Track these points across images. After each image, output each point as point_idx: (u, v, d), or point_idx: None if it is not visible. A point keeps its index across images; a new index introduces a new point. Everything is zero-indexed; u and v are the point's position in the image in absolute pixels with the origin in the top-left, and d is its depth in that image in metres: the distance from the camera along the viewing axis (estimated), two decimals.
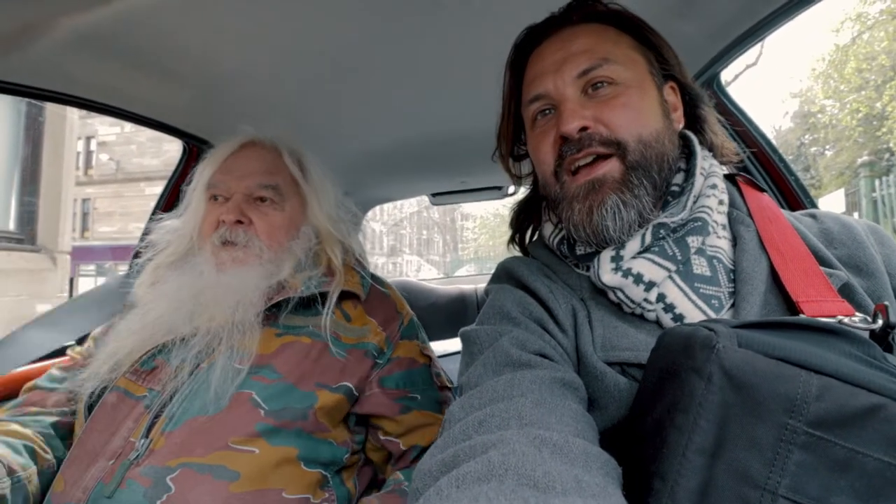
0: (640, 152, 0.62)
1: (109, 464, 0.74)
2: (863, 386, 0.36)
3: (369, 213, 2.73)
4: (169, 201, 1.44)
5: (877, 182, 8.60)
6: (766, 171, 1.24)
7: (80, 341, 1.04)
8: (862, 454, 0.35)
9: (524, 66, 0.75)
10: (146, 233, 1.07)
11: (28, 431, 0.83)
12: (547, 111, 0.69)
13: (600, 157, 0.63)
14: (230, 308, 0.85)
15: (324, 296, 0.91)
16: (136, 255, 1.19)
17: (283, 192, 0.97)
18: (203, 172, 0.99)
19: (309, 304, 0.91)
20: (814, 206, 1.21)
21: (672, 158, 0.66)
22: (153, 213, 1.42)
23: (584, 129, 0.63)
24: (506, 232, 0.90)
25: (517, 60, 0.76)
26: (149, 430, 0.77)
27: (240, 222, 0.93)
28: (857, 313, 0.52)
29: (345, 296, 0.95)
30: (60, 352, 1.21)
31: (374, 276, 1.05)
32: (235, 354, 0.82)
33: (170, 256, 0.98)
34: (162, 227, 1.02)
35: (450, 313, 2.24)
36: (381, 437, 0.92)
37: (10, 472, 0.74)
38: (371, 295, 1.00)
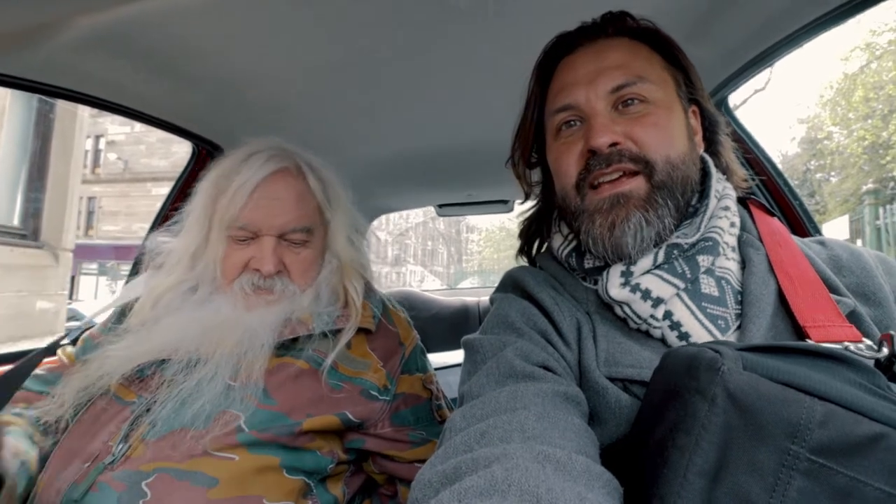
0: (666, 172, 0.62)
1: (84, 466, 0.73)
2: (866, 414, 0.36)
3: (374, 223, 2.74)
4: (175, 203, 1.44)
5: (881, 210, 8.60)
6: (772, 196, 1.25)
7: (75, 341, 1.00)
8: (863, 483, 0.35)
9: (551, 73, 0.73)
10: (144, 246, 1.02)
11: (22, 420, 0.82)
12: (573, 122, 0.68)
13: (626, 175, 0.63)
14: (236, 342, 0.82)
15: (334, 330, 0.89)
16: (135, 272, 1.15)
17: (314, 231, 0.93)
18: (218, 198, 0.90)
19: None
20: (818, 232, 1.21)
21: (694, 182, 0.66)
22: (156, 218, 1.42)
23: (614, 144, 0.62)
24: (510, 246, 0.90)
25: (544, 66, 0.75)
26: (127, 435, 0.75)
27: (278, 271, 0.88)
28: (865, 339, 0.51)
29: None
30: (51, 348, 1.20)
31: (382, 305, 1.01)
32: (233, 374, 0.80)
33: (186, 291, 0.92)
34: (171, 252, 0.96)
35: (452, 325, 2.23)
36: (390, 465, 0.91)
37: (16, 454, 0.73)
38: (377, 325, 0.96)
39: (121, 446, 0.74)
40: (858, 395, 0.37)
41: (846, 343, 0.51)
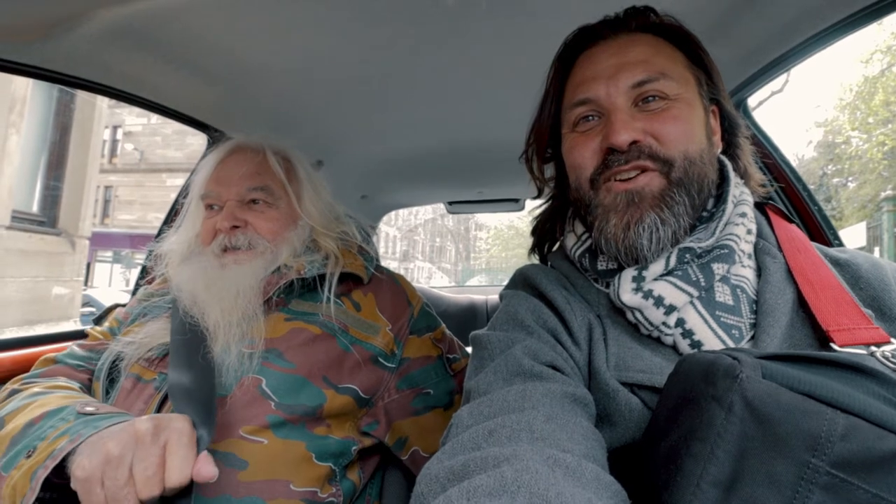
0: (683, 169, 0.61)
1: None
2: (891, 429, 0.35)
3: (384, 218, 2.74)
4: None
5: None
6: (791, 201, 1.22)
7: (98, 321, 1.05)
8: (886, 501, 0.34)
9: (571, 66, 0.72)
10: (151, 251, 1.10)
11: (74, 384, 0.86)
12: (591, 117, 0.66)
13: (641, 171, 0.62)
14: (232, 298, 0.86)
15: (326, 278, 0.92)
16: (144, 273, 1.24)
17: (274, 191, 0.98)
18: (196, 182, 1.01)
19: (316, 289, 0.92)
20: (836, 237, 1.19)
21: (711, 182, 0.65)
22: (171, 209, 1.43)
23: (634, 142, 0.61)
24: (519, 245, 0.89)
25: (564, 59, 0.73)
26: (158, 410, 0.78)
27: (235, 227, 0.94)
28: (893, 340, 0.50)
29: (352, 283, 0.96)
30: (80, 333, 1.22)
31: (381, 267, 1.05)
32: (243, 340, 0.83)
33: (174, 265, 1.00)
34: (167, 243, 1.04)
35: (459, 322, 2.22)
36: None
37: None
38: (379, 281, 1.00)
39: None
40: (883, 408, 0.36)
41: (872, 347, 0.50)
